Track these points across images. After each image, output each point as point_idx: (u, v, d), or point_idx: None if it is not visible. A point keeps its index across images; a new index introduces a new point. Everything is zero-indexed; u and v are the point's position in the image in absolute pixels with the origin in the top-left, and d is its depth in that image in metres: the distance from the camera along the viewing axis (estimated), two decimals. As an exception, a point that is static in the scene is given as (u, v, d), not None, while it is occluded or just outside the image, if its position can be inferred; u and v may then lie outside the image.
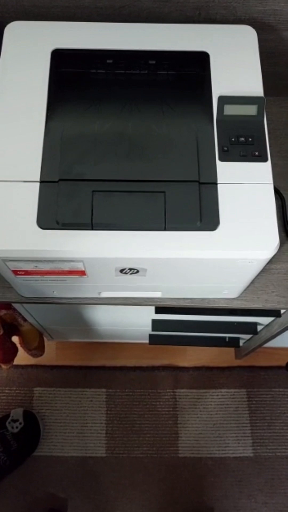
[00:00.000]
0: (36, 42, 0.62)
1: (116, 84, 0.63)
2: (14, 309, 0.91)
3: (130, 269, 0.58)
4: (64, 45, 0.62)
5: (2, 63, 0.61)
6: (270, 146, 0.59)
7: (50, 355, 1.30)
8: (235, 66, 0.62)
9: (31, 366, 1.29)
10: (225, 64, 0.62)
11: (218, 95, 0.59)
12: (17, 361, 1.10)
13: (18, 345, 1.07)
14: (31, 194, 0.54)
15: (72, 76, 0.63)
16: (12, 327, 1.00)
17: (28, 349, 1.08)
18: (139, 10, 0.68)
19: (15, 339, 1.05)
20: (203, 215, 0.54)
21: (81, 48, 0.62)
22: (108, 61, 0.62)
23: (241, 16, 0.69)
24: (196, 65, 0.63)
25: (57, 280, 0.61)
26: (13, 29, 0.63)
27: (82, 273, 0.59)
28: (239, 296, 0.70)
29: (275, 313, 0.80)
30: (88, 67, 0.63)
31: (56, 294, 0.68)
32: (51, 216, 0.53)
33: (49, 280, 0.61)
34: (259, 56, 0.63)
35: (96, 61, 0.62)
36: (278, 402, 1.28)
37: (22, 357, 1.14)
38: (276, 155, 0.76)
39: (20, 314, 0.94)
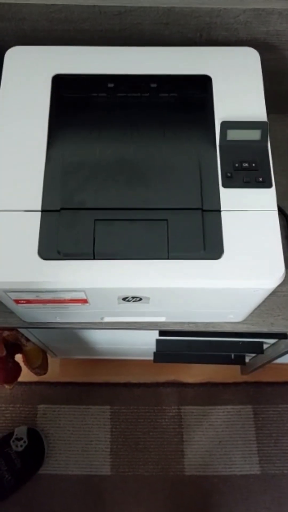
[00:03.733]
0: (37, 67, 0.61)
1: (117, 107, 0.62)
2: (17, 330, 0.91)
3: (133, 297, 0.57)
4: (65, 70, 0.61)
5: (2, 89, 0.60)
6: (273, 164, 0.57)
7: (54, 371, 1.29)
8: (238, 89, 0.61)
9: (35, 383, 1.28)
10: (228, 88, 0.61)
11: (220, 119, 0.59)
12: (21, 378, 1.09)
13: (22, 364, 1.06)
14: (32, 223, 0.53)
15: (73, 101, 0.62)
16: (15, 346, 0.99)
17: (31, 367, 1.07)
18: (140, 32, 0.67)
19: (18, 357, 1.04)
20: (206, 243, 0.53)
21: (82, 73, 0.61)
22: (109, 85, 0.62)
23: (244, 38, 0.68)
24: (198, 88, 0.62)
25: (59, 308, 0.60)
26: (14, 54, 0.62)
27: (84, 301, 0.58)
28: (244, 320, 0.69)
29: (281, 336, 0.79)
30: (89, 91, 0.62)
31: (59, 319, 0.67)
32: (53, 246, 0.52)
33: (51, 308, 0.60)
34: (262, 78, 0.62)
35: (97, 85, 0.62)
36: (285, 419, 1.26)
37: (26, 374, 1.13)
38: (280, 173, 0.75)
39: (23, 335, 0.93)
